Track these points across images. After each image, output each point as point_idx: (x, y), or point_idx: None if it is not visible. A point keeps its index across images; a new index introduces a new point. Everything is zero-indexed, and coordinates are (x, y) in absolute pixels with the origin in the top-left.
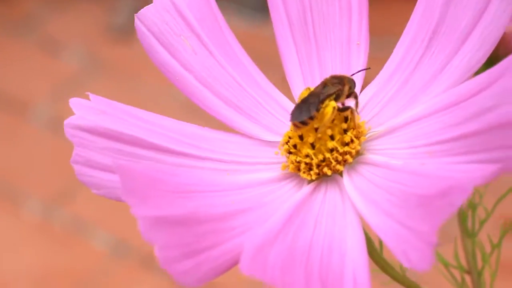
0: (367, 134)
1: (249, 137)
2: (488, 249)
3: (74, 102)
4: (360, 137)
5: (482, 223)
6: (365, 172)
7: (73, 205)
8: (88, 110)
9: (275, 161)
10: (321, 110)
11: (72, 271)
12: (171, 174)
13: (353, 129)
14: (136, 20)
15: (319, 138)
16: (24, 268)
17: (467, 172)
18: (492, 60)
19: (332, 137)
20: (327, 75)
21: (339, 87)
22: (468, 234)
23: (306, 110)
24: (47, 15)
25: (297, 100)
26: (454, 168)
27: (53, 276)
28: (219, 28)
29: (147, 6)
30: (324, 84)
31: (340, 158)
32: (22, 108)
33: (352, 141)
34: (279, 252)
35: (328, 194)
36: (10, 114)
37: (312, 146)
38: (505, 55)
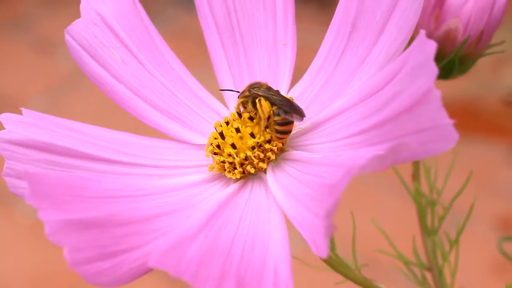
0: (293, 131)
1: (181, 141)
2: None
3: (4, 117)
4: None
5: (441, 220)
6: (288, 168)
7: None
8: (18, 124)
9: (205, 163)
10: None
11: (66, 272)
12: (94, 180)
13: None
14: (65, 34)
15: (241, 137)
16: (18, 270)
17: (357, 158)
18: (439, 59)
19: (252, 135)
20: (255, 76)
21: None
22: (427, 231)
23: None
24: (41, 15)
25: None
26: (355, 156)
27: (47, 278)
28: (149, 36)
29: (75, 20)
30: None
31: (262, 155)
32: (15, 108)
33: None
34: (198, 248)
35: (253, 192)
36: None
37: (233, 146)
38: (451, 53)
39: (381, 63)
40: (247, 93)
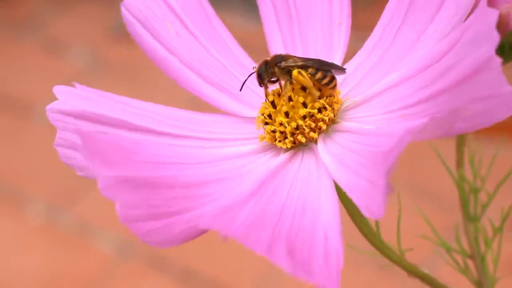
0: (345, 103)
1: (232, 115)
2: (490, 234)
3: (57, 89)
4: (333, 105)
5: (484, 207)
6: (339, 138)
7: (77, 207)
8: (70, 96)
9: (255, 135)
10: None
11: (77, 273)
12: (145, 146)
13: (326, 97)
14: (122, 8)
15: (292, 107)
16: (29, 270)
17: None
18: None
19: (304, 105)
20: (309, 53)
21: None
22: (470, 218)
23: None
24: (50, 16)
25: None
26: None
27: (58, 279)
28: (204, 11)
29: None
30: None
31: (313, 125)
32: (25, 109)
33: (325, 108)
34: (249, 213)
35: (304, 162)
36: (14, 116)
37: (286, 114)
38: (503, 38)
39: (437, 39)
40: (276, 69)
